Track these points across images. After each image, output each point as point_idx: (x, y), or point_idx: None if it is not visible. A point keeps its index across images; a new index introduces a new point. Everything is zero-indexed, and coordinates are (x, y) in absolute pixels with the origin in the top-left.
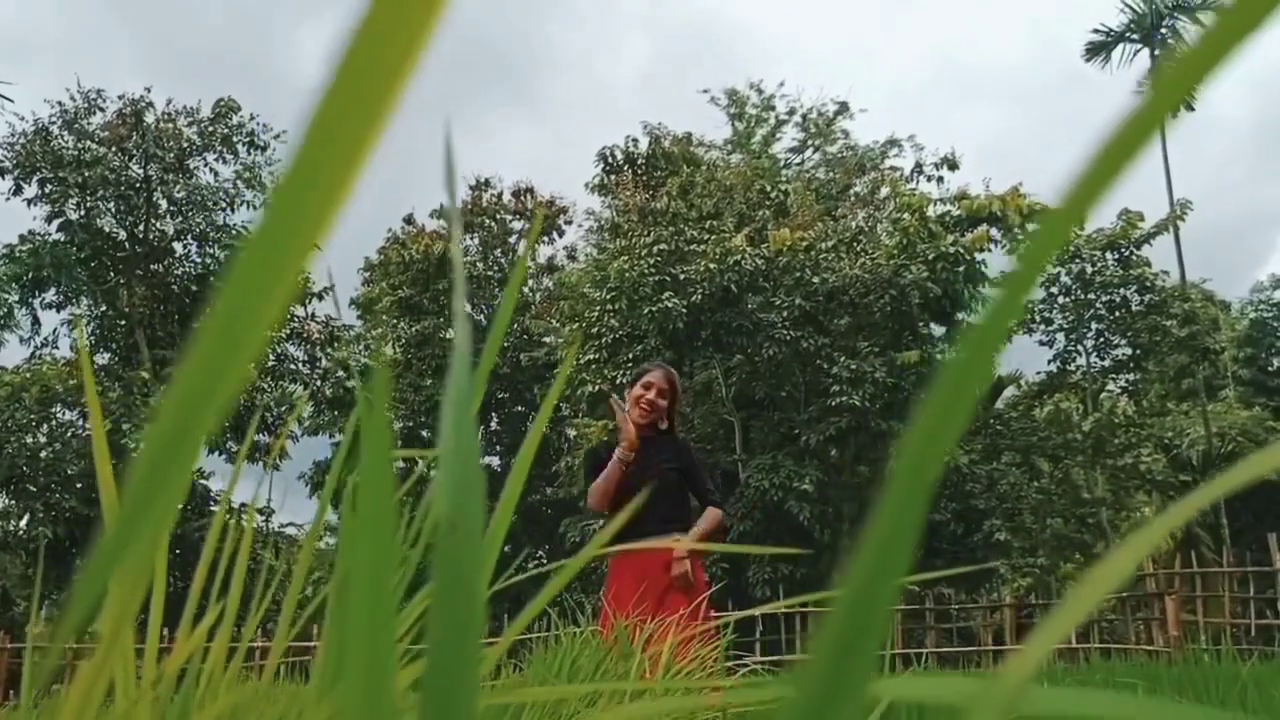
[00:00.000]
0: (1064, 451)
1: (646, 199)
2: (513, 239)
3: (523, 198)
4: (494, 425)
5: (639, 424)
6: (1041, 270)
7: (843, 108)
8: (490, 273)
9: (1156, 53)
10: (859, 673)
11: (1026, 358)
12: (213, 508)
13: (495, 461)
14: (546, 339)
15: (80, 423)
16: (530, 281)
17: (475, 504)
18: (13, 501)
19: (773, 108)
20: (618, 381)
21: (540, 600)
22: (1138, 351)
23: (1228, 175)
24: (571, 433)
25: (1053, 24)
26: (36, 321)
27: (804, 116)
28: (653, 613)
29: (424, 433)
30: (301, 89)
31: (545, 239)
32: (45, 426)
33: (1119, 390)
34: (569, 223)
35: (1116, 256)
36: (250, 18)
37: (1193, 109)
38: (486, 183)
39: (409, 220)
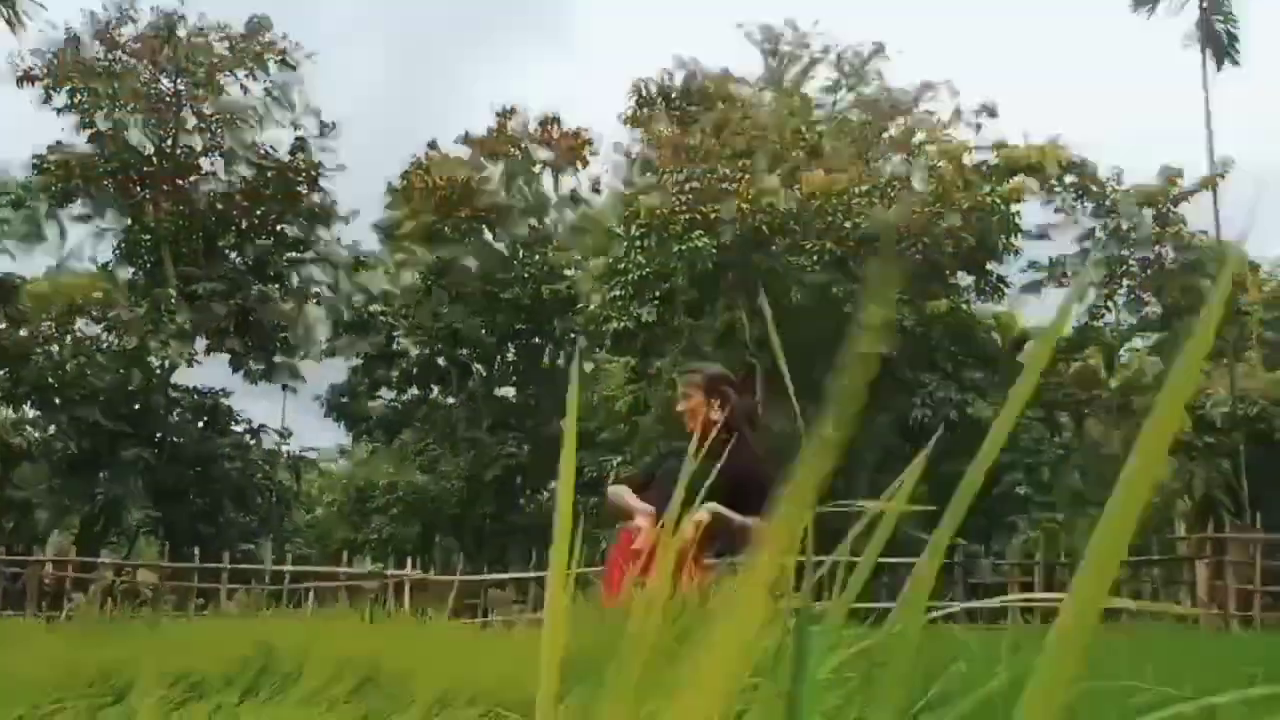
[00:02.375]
0: (1088, 408)
1: (679, 134)
2: (537, 168)
3: (549, 127)
4: (510, 355)
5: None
6: None
7: (878, 48)
8: (512, 202)
9: (1204, 4)
10: None
11: (1052, 313)
12: (234, 426)
13: (511, 393)
14: (568, 272)
15: (105, 337)
16: (553, 213)
17: None
18: (38, 413)
19: (807, 45)
20: (643, 320)
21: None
22: (1167, 310)
23: (1263, 132)
24: (589, 366)
25: None
26: (64, 233)
27: (839, 56)
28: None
29: (439, 360)
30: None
31: (570, 170)
32: (69, 339)
33: (1145, 349)
34: (594, 154)
35: (1154, 213)
36: None
37: (1238, 63)
38: (512, 111)
39: (433, 146)
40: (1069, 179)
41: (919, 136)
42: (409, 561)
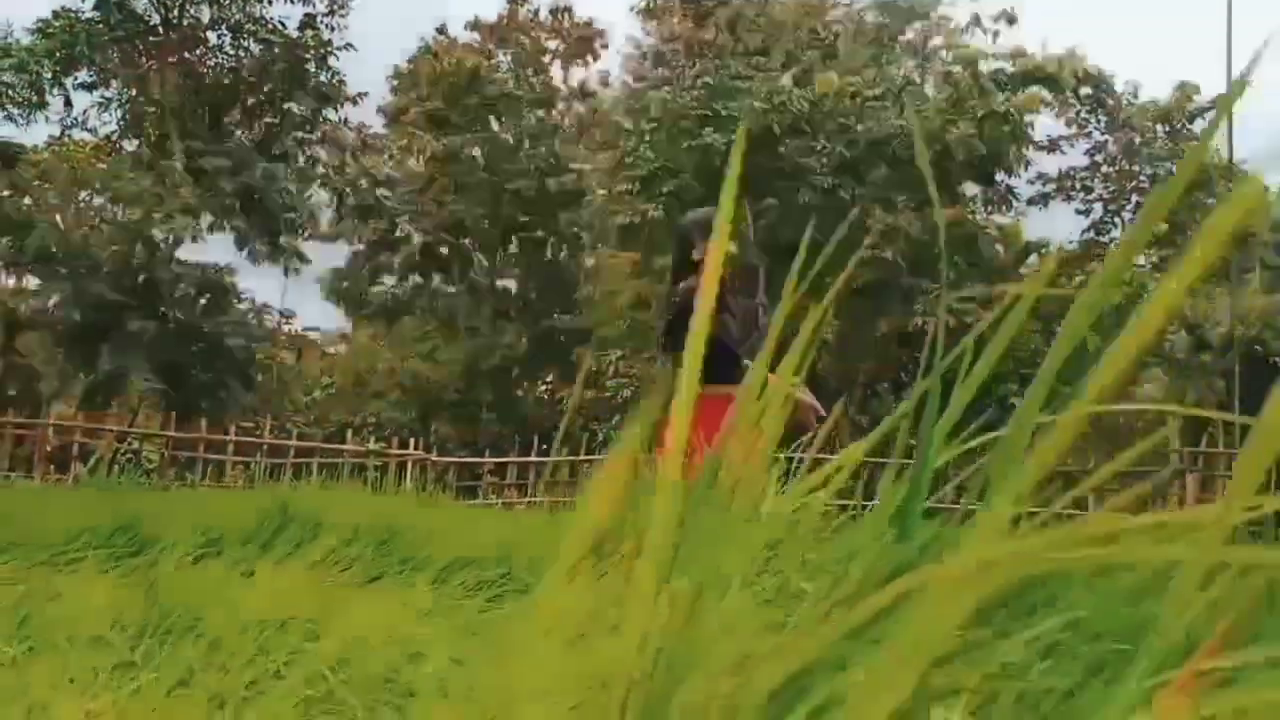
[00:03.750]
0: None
1: (693, 29)
2: (546, 58)
3: (560, 17)
4: (513, 248)
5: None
6: None
7: None
8: (521, 92)
9: None
10: None
11: (1058, 226)
12: (237, 304)
13: (512, 285)
14: (575, 165)
15: (110, 209)
16: (561, 105)
17: None
18: (41, 282)
19: None
20: (649, 215)
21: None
22: (1174, 228)
23: None
24: (590, 262)
25: None
26: (69, 102)
27: None
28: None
29: (442, 249)
30: None
31: (579, 62)
32: (72, 209)
33: (1149, 266)
34: (605, 47)
35: (1167, 129)
36: None
37: None
38: None
39: (442, 30)
40: (1084, 91)
41: (935, 41)
42: (412, 442)
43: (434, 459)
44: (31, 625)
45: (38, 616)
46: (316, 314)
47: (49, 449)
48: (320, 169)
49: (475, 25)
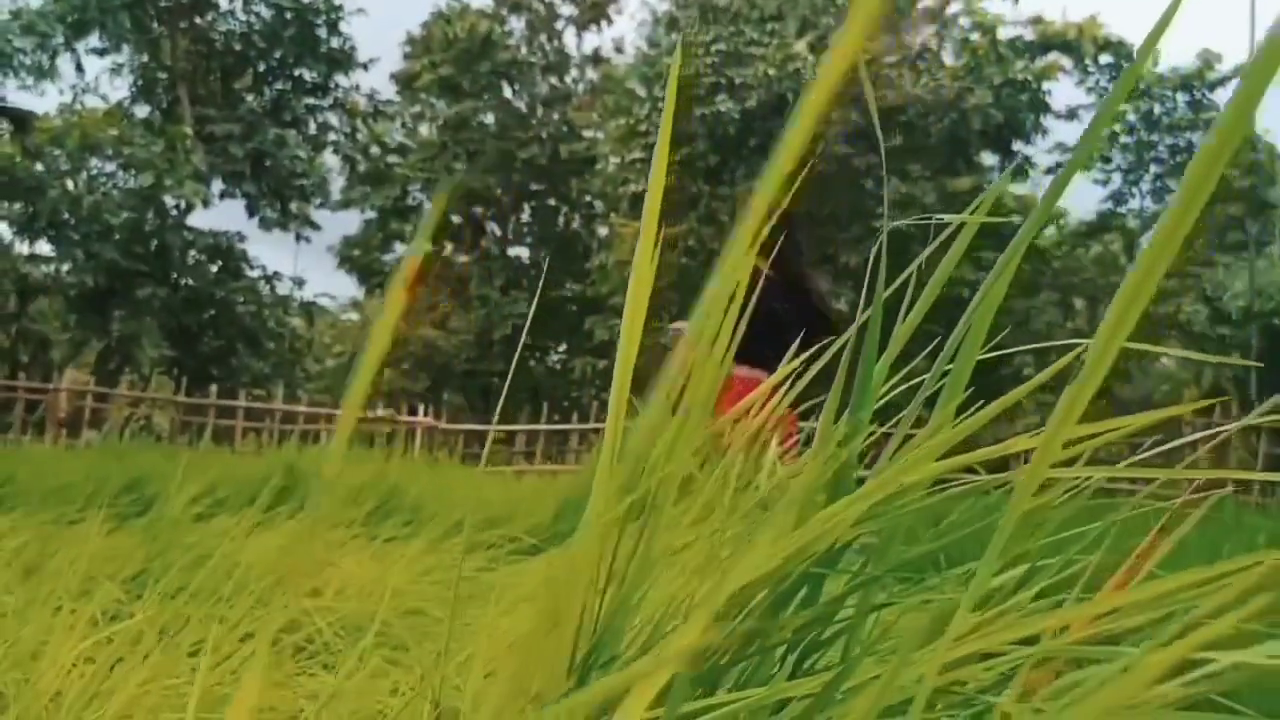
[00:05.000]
0: (1104, 294)
1: None
2: (560, 24)
3: None
4: (525, 217)
5: None
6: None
7: None
8: (533, 59)
9: None
10: None
11: (1075, 197)
12: (248, 271)
13: (524, 254)
14: (587, 133)
15: (120, 175)
16: (574, 72)
17: None
18: (53, 248)
19: None
20: None
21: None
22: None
23: None
24: (603, 231)
25: None
26: (80, 68)
27: None
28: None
29: (454, 217)
30: None
31: (593, 28)
32: (84, 174)
33: None
34: (619, 13)
35: (1188, 98)
36: None
37: None
38: None
39: None
40: (1104, 59)
41: (954, 7)
42: (421, 409)
43: (442, 426)
44: (31, 578)
45: (38, 570)
46: (328, 282)
47: (61, 414)
48: (331, 135)
49: None
